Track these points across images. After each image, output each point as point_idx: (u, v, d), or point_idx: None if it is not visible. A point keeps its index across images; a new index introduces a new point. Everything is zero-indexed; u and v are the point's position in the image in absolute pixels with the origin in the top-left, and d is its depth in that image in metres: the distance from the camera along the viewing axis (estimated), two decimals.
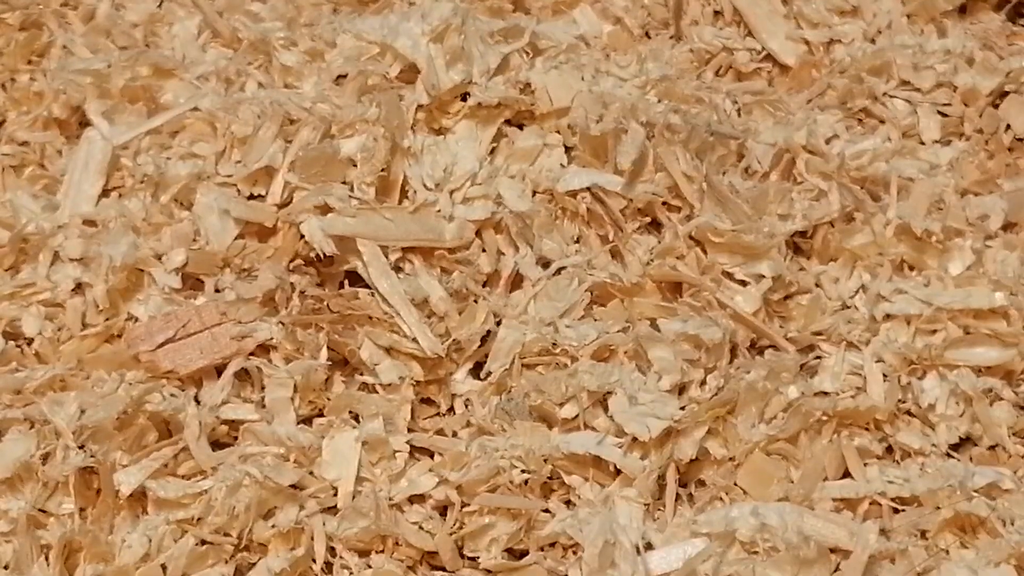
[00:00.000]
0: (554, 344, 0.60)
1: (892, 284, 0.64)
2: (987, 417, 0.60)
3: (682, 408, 0.58)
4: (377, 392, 0.61)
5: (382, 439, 0.59)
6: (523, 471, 0.57)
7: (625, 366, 0.60)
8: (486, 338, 0.62)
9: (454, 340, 0.61)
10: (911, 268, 0.66)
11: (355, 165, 0.65)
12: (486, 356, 0.62)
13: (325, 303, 0.62)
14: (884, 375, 0.61)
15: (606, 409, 0.58)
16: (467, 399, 0.61)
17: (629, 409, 0.57)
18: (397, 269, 0.63)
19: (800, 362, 0.61)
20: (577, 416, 0.58)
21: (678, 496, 0.57)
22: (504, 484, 0.57)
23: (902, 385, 0.61)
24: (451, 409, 0.61)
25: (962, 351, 0.62)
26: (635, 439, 0.57)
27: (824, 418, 0.59)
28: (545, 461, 0.57)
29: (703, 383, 0.60)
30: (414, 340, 0.61)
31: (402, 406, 0.60)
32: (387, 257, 0.63)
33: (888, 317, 0.63)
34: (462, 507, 0.57)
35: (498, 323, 0.62)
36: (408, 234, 0.63)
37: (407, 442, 0.59)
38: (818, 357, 0.63)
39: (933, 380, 0.61)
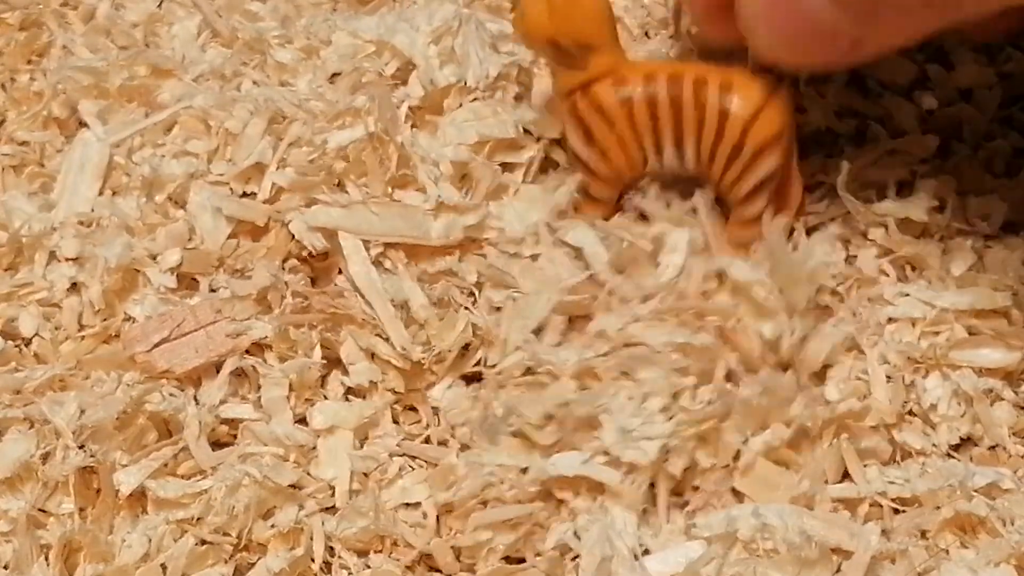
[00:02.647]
0: (536, 364, 0.59)
1: (895, 287, 0.64)
2: (988, 417, 0.60)
3: (671, 417, 0.57)
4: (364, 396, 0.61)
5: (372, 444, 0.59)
6: (512, 486, 0.57)
7: (609, 385, 0.58)
8: (468, 348, 0.61)
9: (435, 351, 0.60)
10: (913, 268, 0.66)
11: (346, 160, 0.65)
12: (472, 368, 0.61)
13: (310, 301, 0.62)
14: (888, 376, 0.61)
15: (591, 426, 0.57)
16: (448, 415, 0.60)
17: (621, 436, 0.56)
18: (377, 265, 0.62)
19: (802, 386, 0.60)
20: (562, 439, 0.57)
21: (675, 501, 0.57)
22: (493, 499, 0.56)
23: (906, 385, 0.61)
24: (436, 419, 0.61)
25: (967, 352, 0.61)
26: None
27: (827, 425, 0.59)
28: (532, 480, 0.57)
29: (696, 390, 0.58)
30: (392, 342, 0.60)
31: (384, 411, 0.60)
32: (368, 252, 0.62)
33: (891, 320, 0.63)
34: (450, 512, 0.57)
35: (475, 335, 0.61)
36: (392, 229, 0.62)
37: (398, 447, 0.59)
38: (826, 365, 0.62)
39: (935, 380, 0.61)
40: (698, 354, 0.58)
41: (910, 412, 0.61)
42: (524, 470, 0.57)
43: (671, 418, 0.57)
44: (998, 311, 0.62)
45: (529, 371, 0.60)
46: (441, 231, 0.63)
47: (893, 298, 0.63)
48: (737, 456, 0.58)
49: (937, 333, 0.62)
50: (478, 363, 0.61)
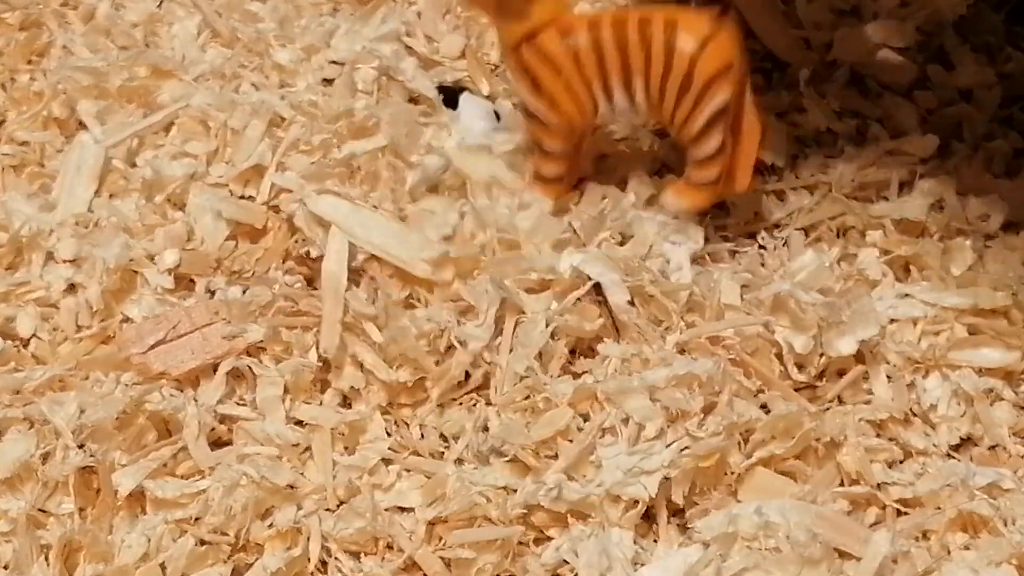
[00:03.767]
0: (533, 391, 0.59)
1: (895, 288, 0.64)
2: (988, 417, 0.60)
3: (670, 444, 0.56)
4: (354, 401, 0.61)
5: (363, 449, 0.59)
6: (497, 507, 0.56)
7: (605, 416, 0.57)
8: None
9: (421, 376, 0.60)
10: (909, 269, 0.66)
11: (357, 168, 0.66)
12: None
13: (299, 305, 0.62)
14: (889, 376, 0.61)
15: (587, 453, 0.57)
16: (443, 427, 0.60)
17: (621, 474, 0.55)
18: (361, 272, 0.62)
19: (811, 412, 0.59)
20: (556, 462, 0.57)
21: (673, 506, 0.57)
22: (481, 517, 0.56)
23: (907, 385, 0.61)
24: (422, 434, 0.60)
25: (967, 352, 0.61)
26: None
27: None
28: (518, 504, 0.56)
29: (703, 416, 0.57)
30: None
31: (371, 415, 0.60)
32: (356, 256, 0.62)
33: (892, 321, 0.63)
34: (443, 523, 0.57)
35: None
36: (384, 245, 0.62)
37: (390, 450, 0.59)
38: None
39: (935, 380, 0.61)
40: (700, 384, 0.58)
41: (911, 412, 0.61)
42: (512, 493, 0.56)
43: (669, 446, 0.56)
44: (998, 311, 0.62)
45: (528, 396, 0.59)
46: (429, 272, 0.62)
47: (893, 299, 0.63)
48: (739, 472, 0.57)
49: (937, 333, 0.62)
50: (478, 387, 0.61)
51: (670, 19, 0.60)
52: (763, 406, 0.60)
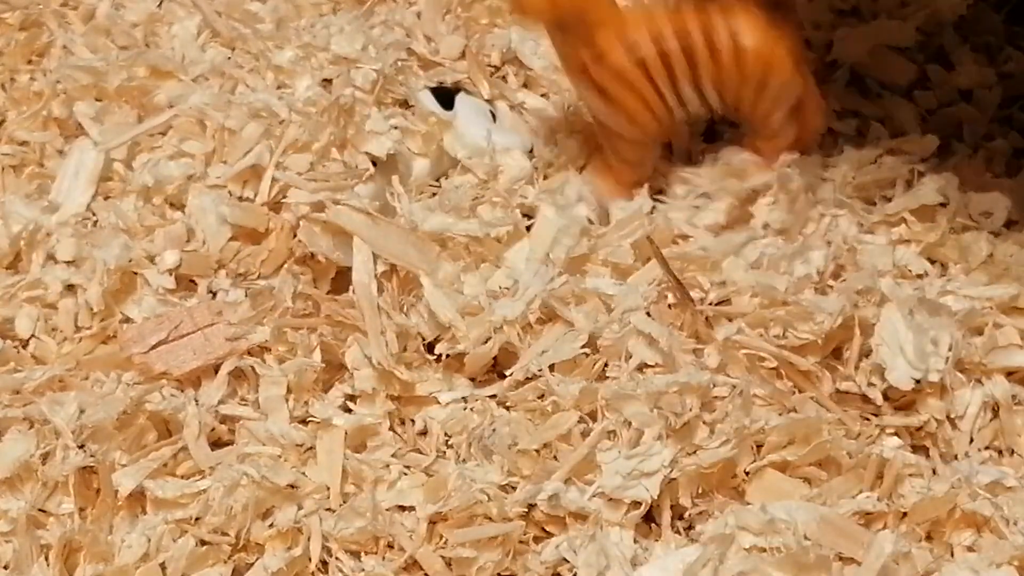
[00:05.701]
0: (541, 396, 0.59)
1: (937, 284, 0.63)
2: (1012, 426, 0.59)
3: (679, 449, 0.56)
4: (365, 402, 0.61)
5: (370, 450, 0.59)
6: (498, 505, 0.56)
7: (606, 423, 0.57)
8: None
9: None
10: (932, 262, 0.65)
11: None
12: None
13: (319, 305, 0.62)
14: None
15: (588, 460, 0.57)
16: (447, 427, 0.60)
17: (621, 479, 0.55)
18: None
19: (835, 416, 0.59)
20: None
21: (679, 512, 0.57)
22: (481, 515, 0.56)
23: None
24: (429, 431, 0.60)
25: (998, 354, 0.60)
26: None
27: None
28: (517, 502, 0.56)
29: (712, 426, 0.57)
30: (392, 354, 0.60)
31: (383, 419, 0.60)
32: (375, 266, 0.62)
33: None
34: (444, 521, 0.57)
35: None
36: (402, 254, 0.62)
37: (394, 457, 0.59)
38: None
39: (969, 388, 0.60)
40: (695, 392, 0.57)
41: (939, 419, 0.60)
42: (512, 491, 0.56)
43: (671, 450, 0.56)
44: (1020, 308, 0.61)
45: (542, 396, 0.59)
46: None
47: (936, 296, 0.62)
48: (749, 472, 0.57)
49: (972, 328, 0.61)
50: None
51: (732, 19, 0.60)
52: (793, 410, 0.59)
